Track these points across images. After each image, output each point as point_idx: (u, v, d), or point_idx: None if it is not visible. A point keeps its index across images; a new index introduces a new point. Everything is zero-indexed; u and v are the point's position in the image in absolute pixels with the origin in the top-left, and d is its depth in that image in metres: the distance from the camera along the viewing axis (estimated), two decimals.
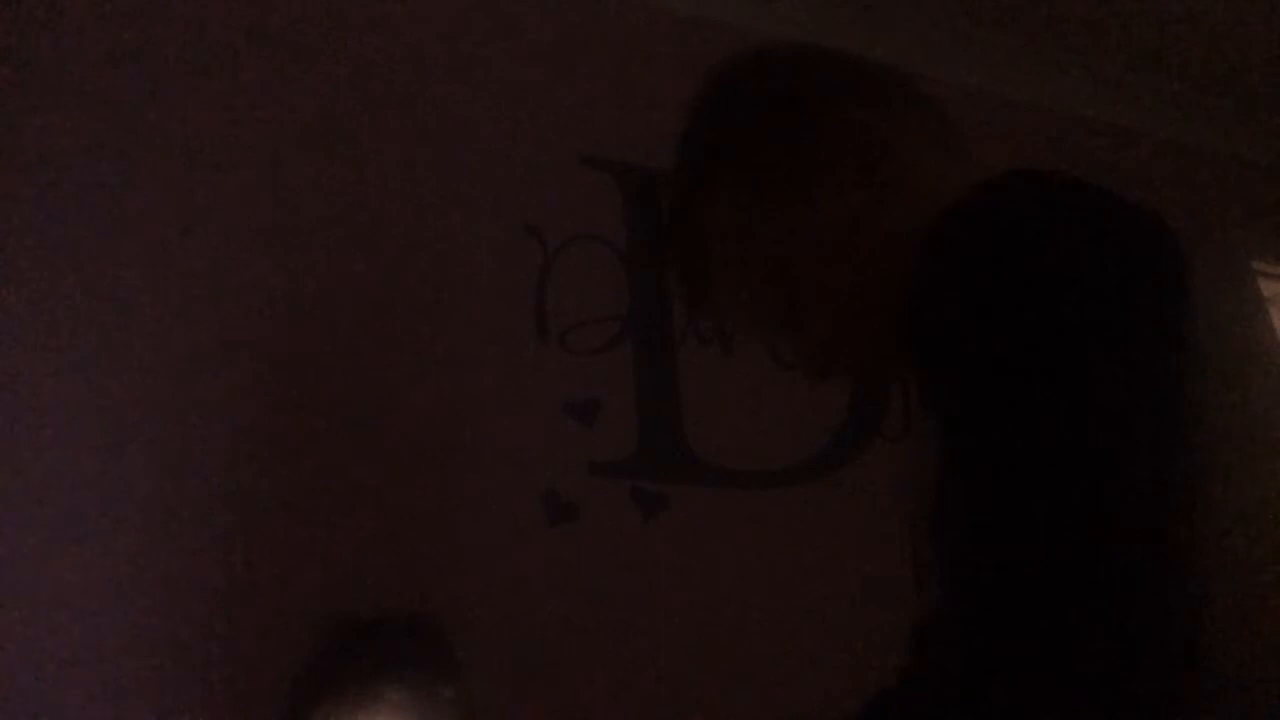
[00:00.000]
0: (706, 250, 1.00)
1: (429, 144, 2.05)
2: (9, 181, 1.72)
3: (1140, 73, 2.71)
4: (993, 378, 0.73)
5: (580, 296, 2.11)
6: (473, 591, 1.83)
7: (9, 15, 1.76)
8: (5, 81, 1.75)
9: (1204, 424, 0.71)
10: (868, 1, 2.47)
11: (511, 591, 1.89)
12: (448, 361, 1.96)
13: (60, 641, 1.61)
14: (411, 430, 1.90)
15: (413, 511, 1.87)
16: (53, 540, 1.64)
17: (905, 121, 0.94)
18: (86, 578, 1.64)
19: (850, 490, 2.22)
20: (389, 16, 2.07)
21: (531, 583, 1.91)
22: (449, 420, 1.94)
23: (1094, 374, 0.70)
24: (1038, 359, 0.71)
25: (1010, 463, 0.71)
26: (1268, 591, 0.71)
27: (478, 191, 2.07)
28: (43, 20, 1.79)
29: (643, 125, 2.23)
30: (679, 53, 2.28)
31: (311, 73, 1.98)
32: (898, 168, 0.92)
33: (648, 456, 2.10)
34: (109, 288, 1.76)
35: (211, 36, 1.91)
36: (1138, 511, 0.68)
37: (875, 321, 0.92)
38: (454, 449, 1.93)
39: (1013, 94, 2.63)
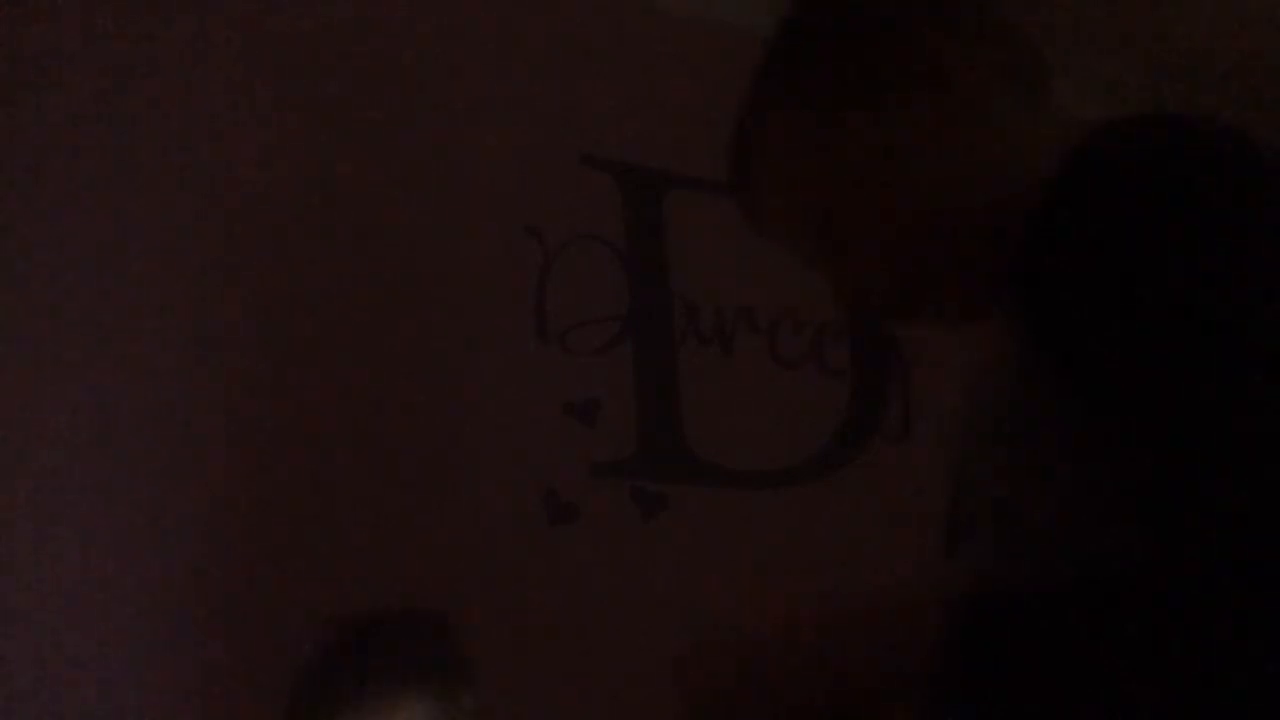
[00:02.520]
0: (763, 152, 0.96)
1: (429, 144, 2.05)
2: (9, 182, 1.73)
3: (1140, 73, 2.71)
4: (1128, 329, 0.70)
5: (580, 296, 2.11)
6: (473, 591, 1.83)
7: (9, 15, 1.76)
8: (5, 81, 1.75)
9: None
10: None
11: (511, 591, 1.89)
12: (448, 361, 1.96)
13: (60, 642, 1.61)
14: (412, 430, 1.90)
15: (413, 511, 1.87)
16: (51, 541, 1.64)
17: (981, 53, 0.91)
18: (86, 577, 1.64)
19: (850, 490, 2.22)
20: (388, 17, 2.07)
21: (531, 583, 1.91)
22: (449, 420, 1.94)
23: (1237, 329, 0.68)
24: (1187, 314, 0.69)
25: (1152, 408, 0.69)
26: None
27: (478, 191, 2.07)
28: (43, 20, 1.79)
29: (643, 125, 2.23)
30: (679, 53, 2.28)
31: (311, 73, 1.98)
32: (968, 99, 0.89)
33: (648, 456, 2.10)
34: (108, 287, 1.76)
35: (211, 37, 1.91)
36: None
37: (924, 257, 0.89)
38: (454, 449, 1.93)
39: None
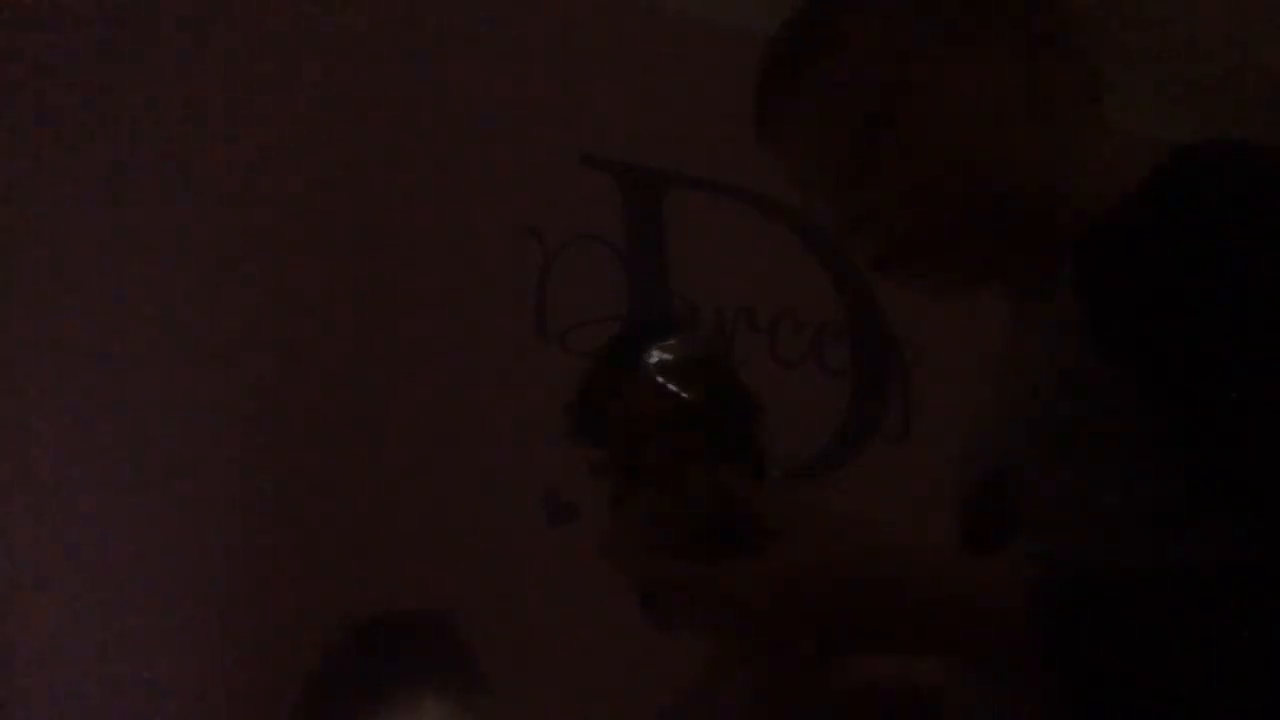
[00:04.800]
0: (816, 63, 0.90)
1: (429, 144, 2.05)
2: (9, 181, 1.73)
3: (1140, 73, 2.71)
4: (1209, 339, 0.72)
5: (580, 296, 2.11)
6: (472, 591, 1.83)
7: (9, 15, 1.76)
8: (5, 81, 1.75)
9: None
10: None
11: (511, 592, 1.88)
12: (448, 361, 1.96)
13: (63, 643, 1.61)
14: (412, 430, 1.90)
15: (412, 512, 1.87)
16: (53, 544, 1.64)
17: (1068, 38, 0.90)
18: (89, 580, 1.64)
19: (850, 490, 2.22)
20: (389, 17, 2.07)
21: (531, 583, 1.91)
22: (449, 420, 1.94)
23: None
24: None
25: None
26: None
27: (478, 191, 2.07)
28: (42, 20, 1.79)
29: (643, 125, 2.23)
30: (679, 53, 2.28)
31: (311, 73, 1.98)
32: (1050, 79, 0.88)
33: None
34: (109, 288, 1.76)
35: (211, 37, 1.91)
36: None
37: (935, 210, 0.87)
38: (454, 449, 1.93)
39: None
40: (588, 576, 2.02)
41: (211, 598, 1.70)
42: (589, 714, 1.87)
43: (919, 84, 0.87)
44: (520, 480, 1.97)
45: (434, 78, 2.08)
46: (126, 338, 1.75)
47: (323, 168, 1.94)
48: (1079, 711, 0.70)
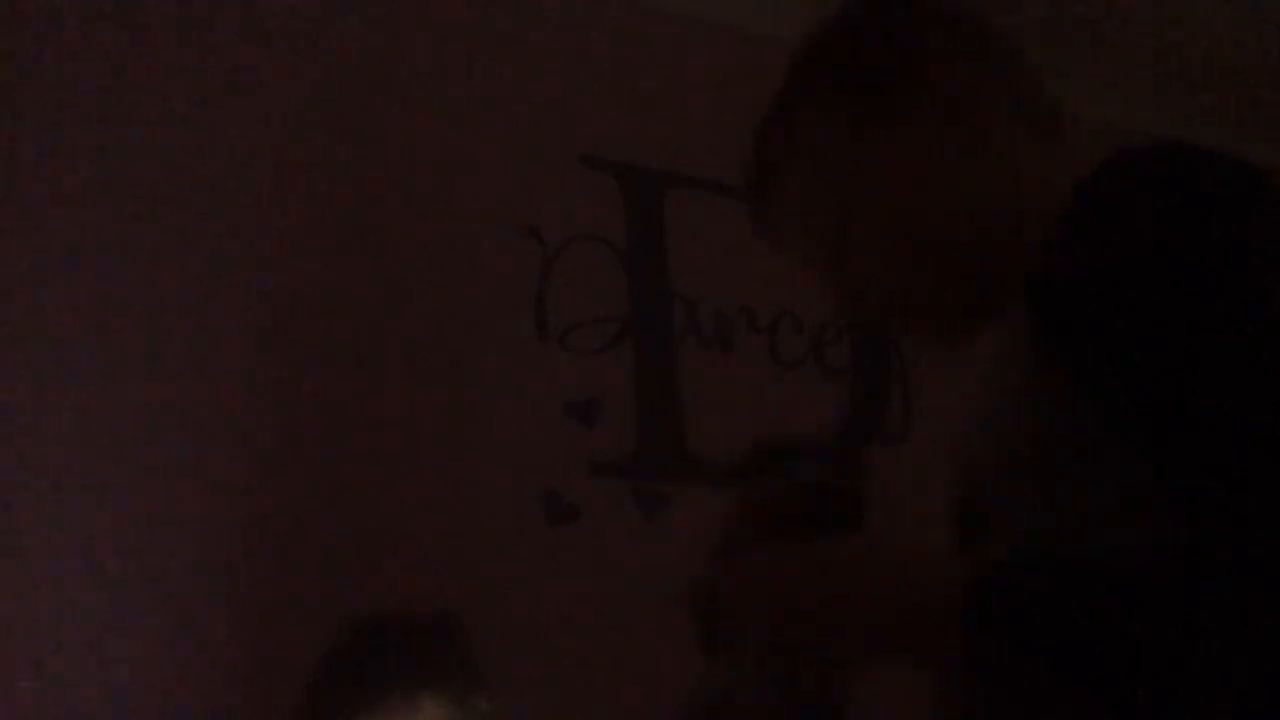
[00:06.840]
0: (774, 161, 1.00)
1: (429, 144, 2.05)
2: (9, 181, 1.73)
3: (1140, 73, 2.71)
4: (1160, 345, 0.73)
5: (580, 296, 2.11)
6: (472, 592, 1.83)
7: (8, 15, 1.76)
8: (5, 81, 1.75)
9: None
10: None
11: (511, 592, 1.89)
12: (448, 362, 1.96)
13: (62, 643, 1.61)
14: (411, 430, 1.90)
15: (412, 512, 1.87)
16: (54, 543, 1.64)
17: (994, 89, 0.94)
18: (90, 580, 1.64)
19: None
20: (389, 17, 2.07)
21: (531, 583, 1.91)
22: (449, 421, 1.94)
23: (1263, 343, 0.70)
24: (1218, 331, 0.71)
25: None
26: None
27: (478, 191, 2.07)
28: (42, 20, 1.79)
29: (643, 125, 2.23)
30: (679, 53, 2.29)
31: (312, 73, 1.98)
32: (977, 131, 0.92)
33: (648, 456, 2.10)
34: (109, 289, 1.76)
35: (211, 37, 1.91)
36: None
37: (923, 276, 0.92)
38: (454, 449, 1.93)
39: None
40: (588, 576, 2.04)
41: (212, 598, 1.70)
42: (589, 714, 1.87)
43: (864, 177, 0.93)
44: (520, 480, 1.97)
45: (434, 78, 2.08)
46: (127, 338, 1.75)
47: (322, 167, 1.95)
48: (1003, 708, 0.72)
